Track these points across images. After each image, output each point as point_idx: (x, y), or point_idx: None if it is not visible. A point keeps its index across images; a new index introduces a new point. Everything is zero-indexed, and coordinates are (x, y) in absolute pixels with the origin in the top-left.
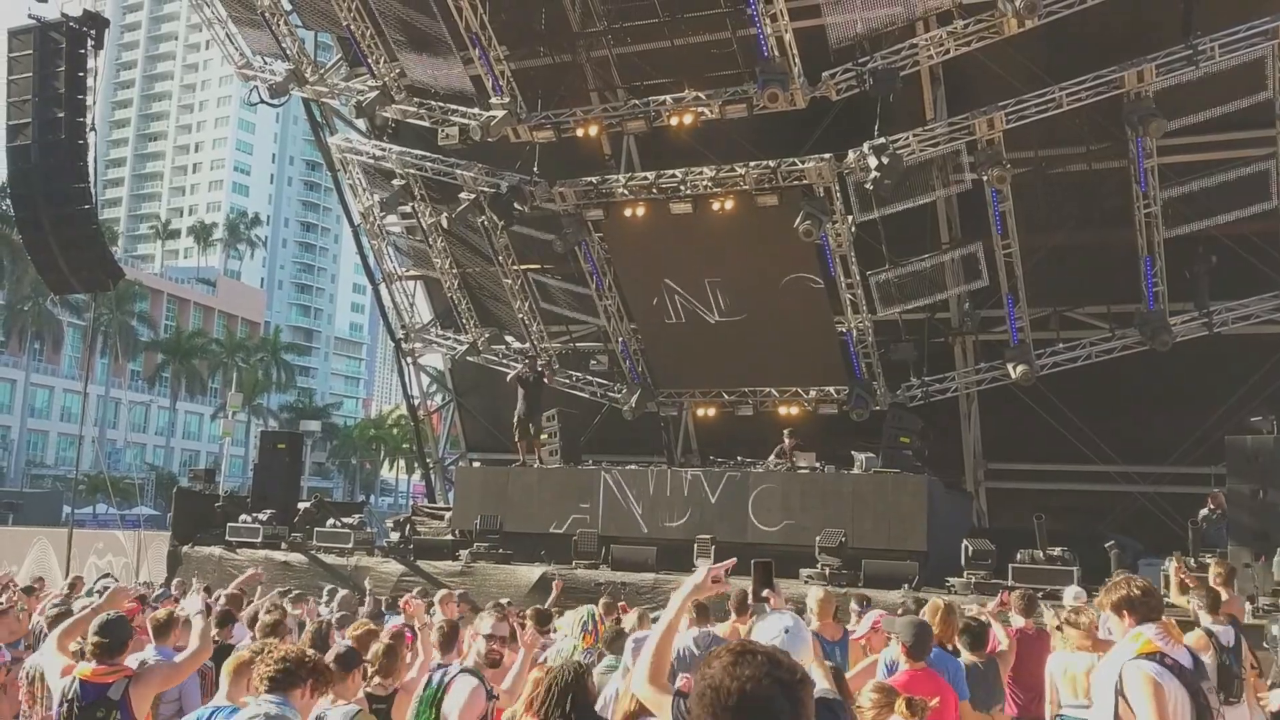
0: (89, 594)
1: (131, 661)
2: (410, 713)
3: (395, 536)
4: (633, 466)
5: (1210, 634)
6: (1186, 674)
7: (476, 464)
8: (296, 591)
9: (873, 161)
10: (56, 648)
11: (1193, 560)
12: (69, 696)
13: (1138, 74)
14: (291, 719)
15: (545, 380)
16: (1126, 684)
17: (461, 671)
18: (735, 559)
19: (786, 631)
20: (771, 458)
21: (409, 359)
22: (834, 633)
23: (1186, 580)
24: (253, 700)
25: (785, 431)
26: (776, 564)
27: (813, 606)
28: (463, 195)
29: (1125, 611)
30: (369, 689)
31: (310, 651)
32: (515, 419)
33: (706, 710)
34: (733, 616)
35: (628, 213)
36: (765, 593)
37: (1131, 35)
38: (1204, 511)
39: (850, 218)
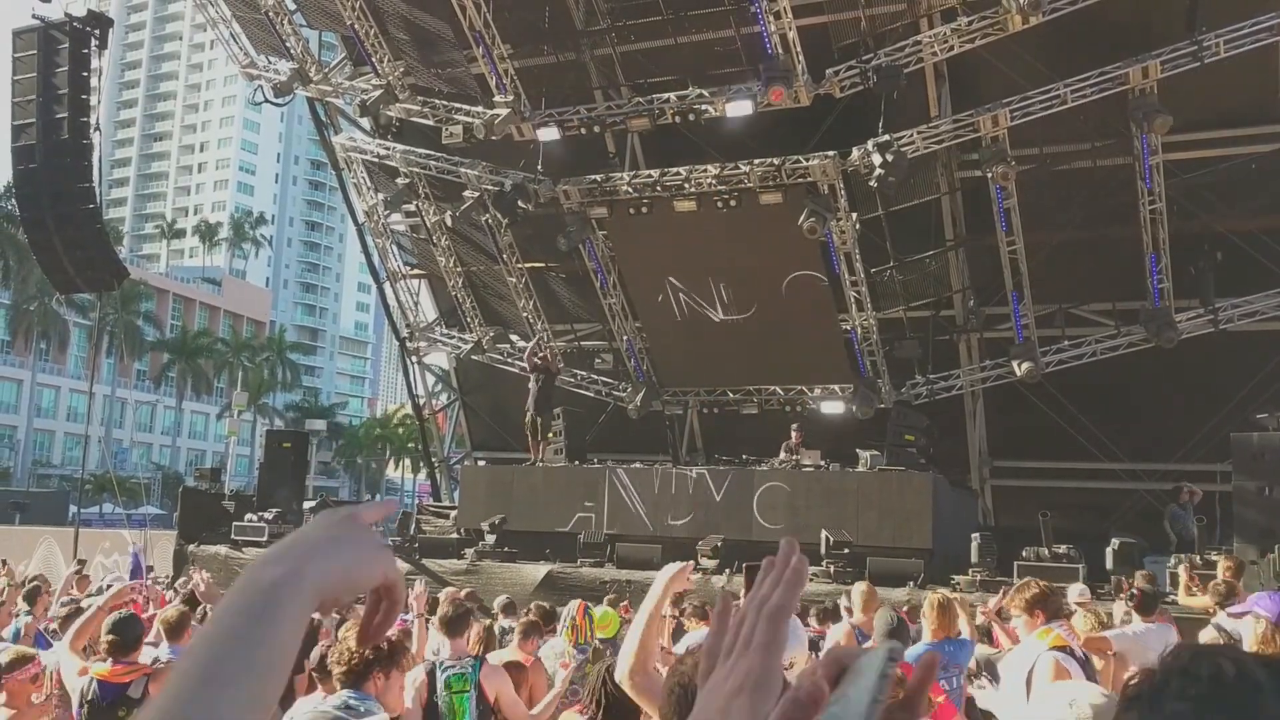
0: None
1: (144, 658)
2: (445, 706)
3: (399, 537)
4: (637, 465)
5: (1220, 629)
6: (1087, 667)
7: (481, 463)
8: None
9: (877, 159)
10: (70, 648)
11: (1199, 558)
12: (88, 697)
13: (1143, 70)
14: (368, 709)
15: (556, 378)
16: (1036, 670)
17: (483, 660)
18: (693, 563)
19: None
20: (781, 454)
21: (414, 358)
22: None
23: (1192, 585)
24: (333, 695)
25: (793, 426)
26: None
27: (857, 600)
28: (466, 193)
29: (1037, 610)
30: None
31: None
32: (527, 416)
33: (674, 709)
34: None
35: (631, 211)
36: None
37: (1136, 31)
38: (1172, 506)
39: (854, 215)
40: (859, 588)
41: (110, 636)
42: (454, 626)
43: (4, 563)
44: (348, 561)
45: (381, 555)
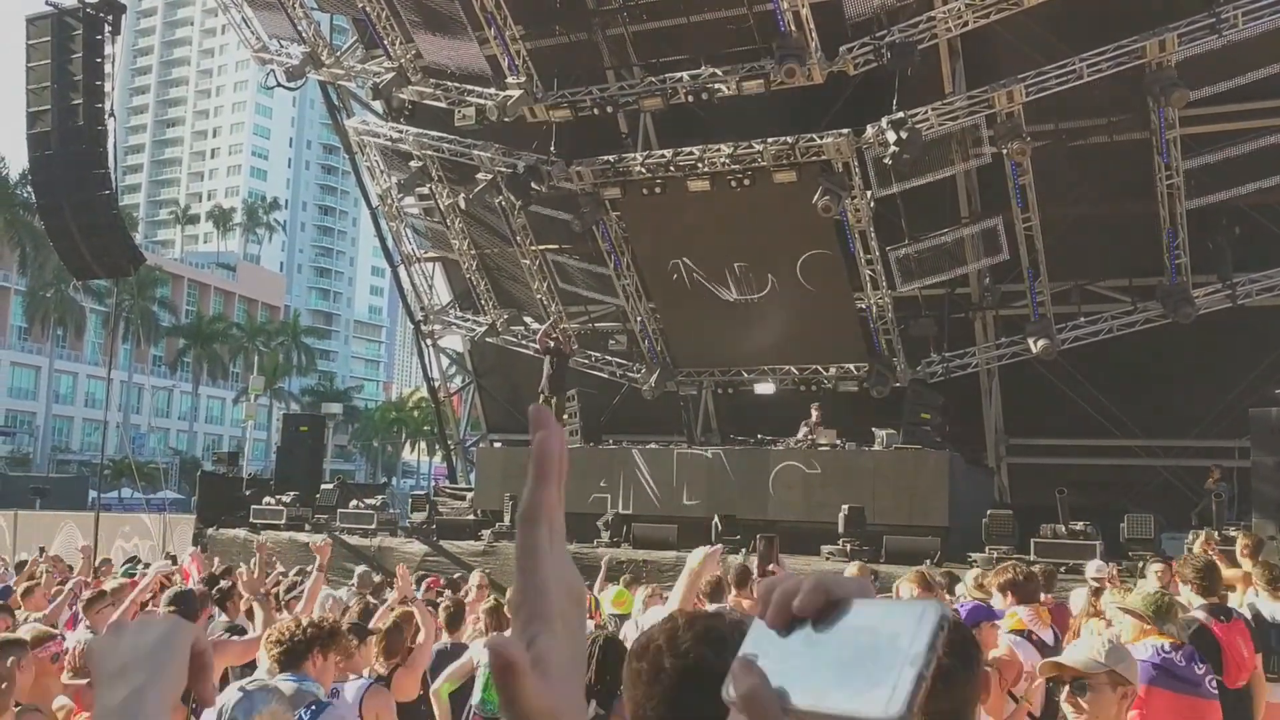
0: (127, 573)
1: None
2: (480, 680)
3: (418, 517)
4: (653, 446)
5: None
6: (1047, 650)
7: (497, 444)
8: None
9: (891, 136)
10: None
11: (1216, 533)
12: None
13: (1159, 43)
14: (308, 689)
15: (570, 359)
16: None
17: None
18: (722, 546)
19: None
20: (801, 431)
21: (428, 341)
22: None
23: (1213, 554)
24: (271, 679)
25: (814, 405)
26: (797, 541)
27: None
28: (480, 176)
29: (1009, 592)
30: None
31: (311, 621)
32: (540, 398)
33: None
34: (733, 591)
35: (645, 191)
36: (770, 567)
37: (1153, 4)
38: (1219, 485)
39: (869, 193)
40: (852, 568)
41: (171, 608)
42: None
43: (41, 550)
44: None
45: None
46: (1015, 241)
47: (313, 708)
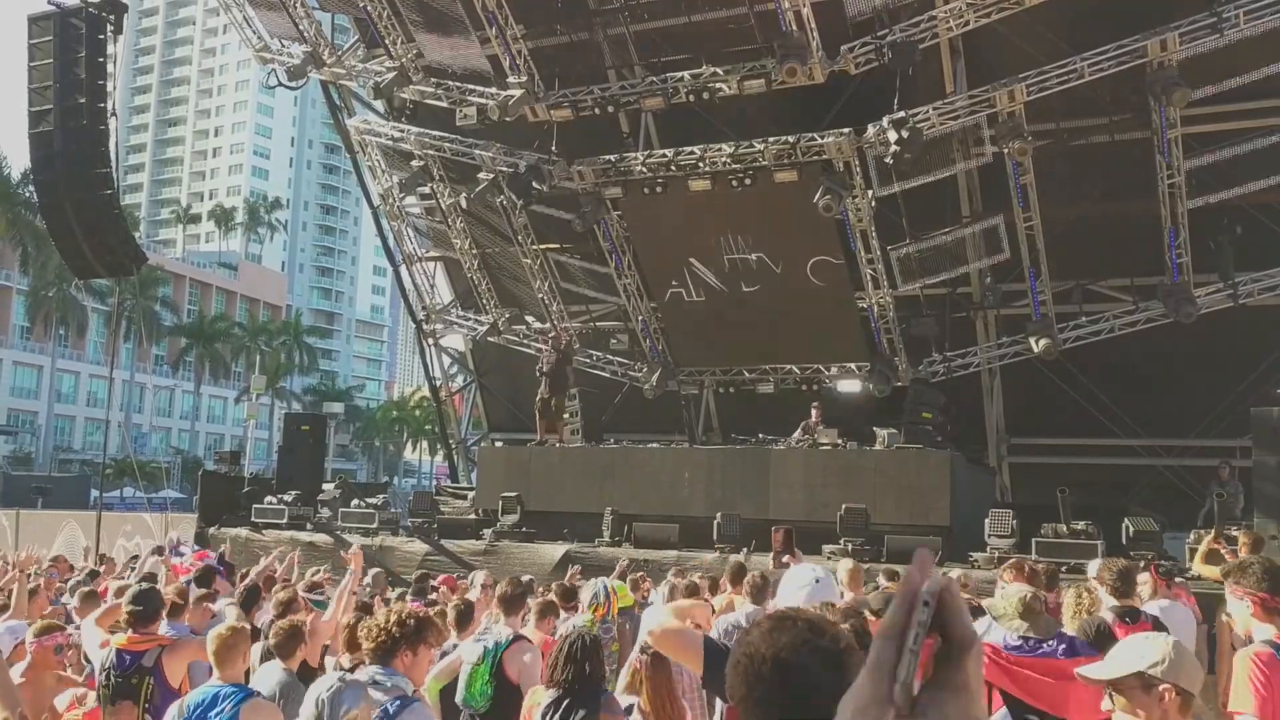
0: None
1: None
2: (464, 677)
3: (419, 519)
4: (654, 445)
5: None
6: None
7: (499, 444)
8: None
9: (892, 136)
10: (95, 624)
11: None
12: (106, 666)
13: (1161, 43)
14: (395, 683)
15: (571, 360)
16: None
17: (518, 638)
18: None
19: (817, 581)
20: (798, 432)
21: (430, 340)
22: None
23: (1222, 550)
24: (362, 670)
25: (814, 405)
26: (799, 540)
27: (843, 578)
28: (481, 175)
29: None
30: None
31: (406, 615)
32: (538, 397)
33: (741, 679)
34: (728, 588)
35: (646, 190)
36: (786, 558)
37: (1154, 3)
38: (1228, 483)
39: (870, 192)
40: (845, 565)
41: (131, 606)
42: (510, 605)
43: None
44: None
45: None
46: (1016, 241)
47: (398, 702)
